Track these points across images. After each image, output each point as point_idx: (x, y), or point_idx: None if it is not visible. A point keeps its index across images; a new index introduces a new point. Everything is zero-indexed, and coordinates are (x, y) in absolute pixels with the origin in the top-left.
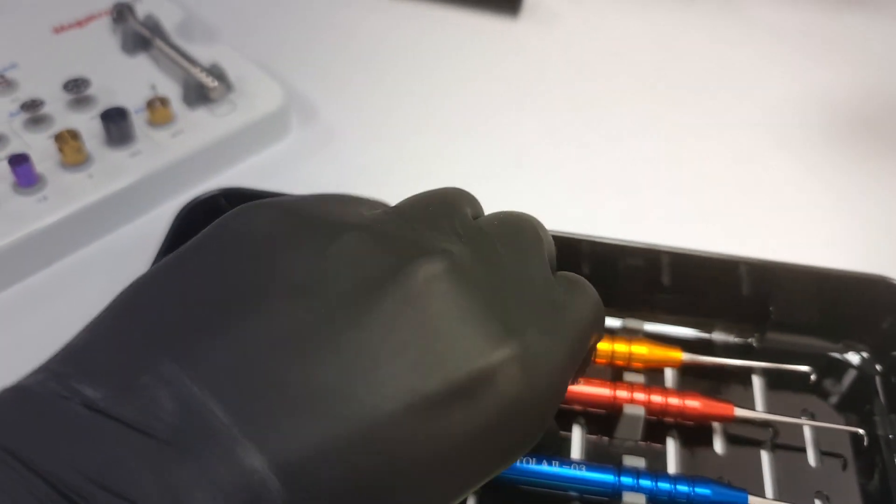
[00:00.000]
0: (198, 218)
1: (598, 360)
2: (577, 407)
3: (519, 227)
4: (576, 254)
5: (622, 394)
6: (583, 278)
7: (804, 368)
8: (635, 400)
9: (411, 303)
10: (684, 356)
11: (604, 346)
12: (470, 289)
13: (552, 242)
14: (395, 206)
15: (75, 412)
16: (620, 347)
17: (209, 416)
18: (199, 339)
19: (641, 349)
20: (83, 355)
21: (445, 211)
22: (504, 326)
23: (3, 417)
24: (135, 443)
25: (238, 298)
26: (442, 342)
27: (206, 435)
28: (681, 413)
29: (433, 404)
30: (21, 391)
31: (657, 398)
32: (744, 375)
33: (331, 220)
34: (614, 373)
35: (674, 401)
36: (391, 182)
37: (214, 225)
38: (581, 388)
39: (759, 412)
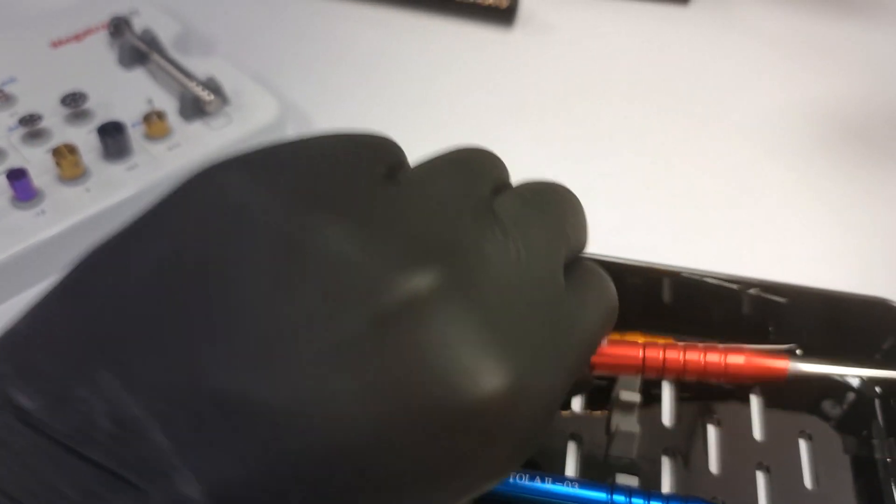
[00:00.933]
0: None
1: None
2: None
3: (543, 210)
4: None
5: (653, 353)
6: (600, 271)
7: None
8: (668, 359)
9: (386, 325)
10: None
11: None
12: (463, 307)
13: (585, 225)
14: (411, 176)
15: (9, 426)
16: (711, 358)
17: (147, 439)
18: (141, 348)
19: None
20: (23, 351)
21: (464, 186)
22: (496, 352)
23: None
24: (68, 466)
25: (191, 300)
26: (412, 372)
27: (144, 460)
28: (722, 373)
29: (390, 438)
30: None
31: (694, 356)
32: (742, 395)
33: (322, 199)
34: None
35: (713, 358)
36: None
37: (177, 192)
38: (608, 350)
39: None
